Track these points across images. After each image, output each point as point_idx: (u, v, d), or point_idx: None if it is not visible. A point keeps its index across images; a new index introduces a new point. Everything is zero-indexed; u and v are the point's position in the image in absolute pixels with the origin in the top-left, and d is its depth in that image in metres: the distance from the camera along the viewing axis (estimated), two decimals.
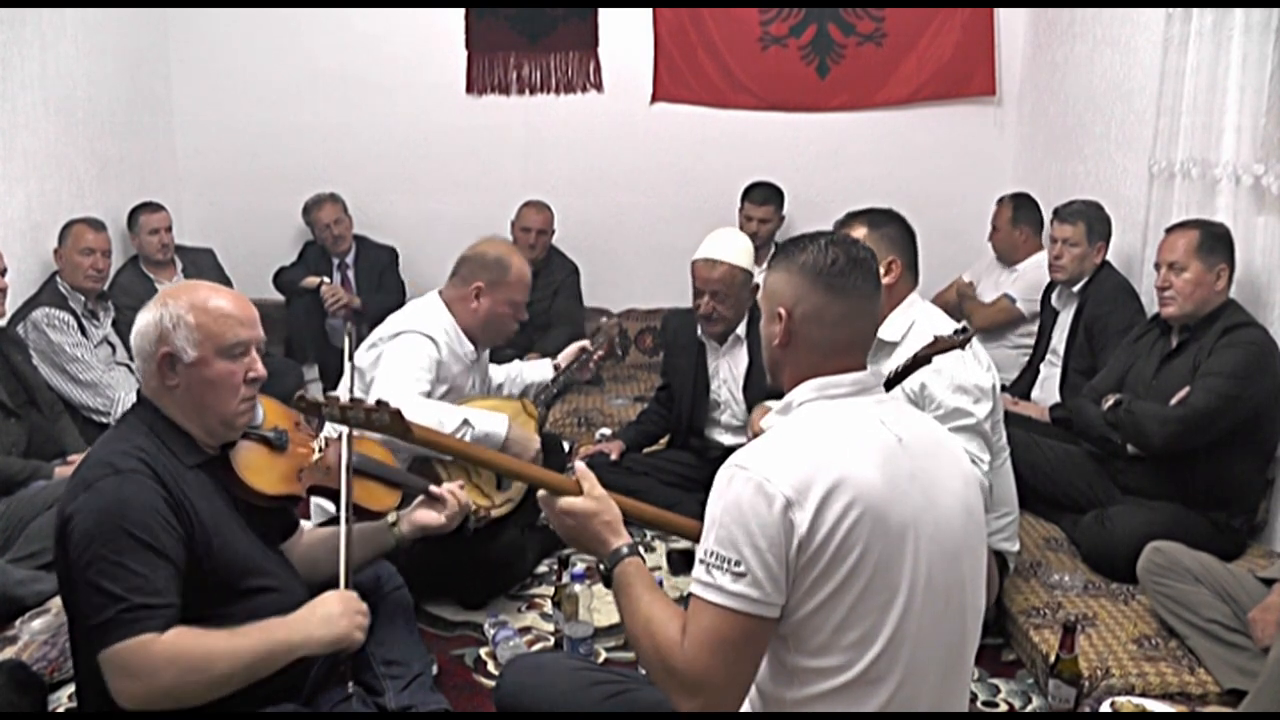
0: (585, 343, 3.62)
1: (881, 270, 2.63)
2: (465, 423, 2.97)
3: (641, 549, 1.87)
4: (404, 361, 3.01)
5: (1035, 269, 4.41)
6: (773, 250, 5.19)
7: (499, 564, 3.16)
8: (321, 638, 1.95)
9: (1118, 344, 3.56)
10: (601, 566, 1.80)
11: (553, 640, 2.93)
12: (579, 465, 1.92)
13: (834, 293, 1.69)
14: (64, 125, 4.46)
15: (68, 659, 2.54)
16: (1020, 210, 4.66)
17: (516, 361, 3.71)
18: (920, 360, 2.40)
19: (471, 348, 3.24)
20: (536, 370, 3.62)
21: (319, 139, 5.50)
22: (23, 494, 3.17)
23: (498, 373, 3.56)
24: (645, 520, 2.02)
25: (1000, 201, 4.77)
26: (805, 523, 1.51)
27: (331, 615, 1.97)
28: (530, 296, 4.91)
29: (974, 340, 2.53)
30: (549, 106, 5.47)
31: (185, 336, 1.96)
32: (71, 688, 2.49)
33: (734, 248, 3.53)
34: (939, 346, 2.37)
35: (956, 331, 2.37)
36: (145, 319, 1.99)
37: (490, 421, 3.06)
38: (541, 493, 1.91)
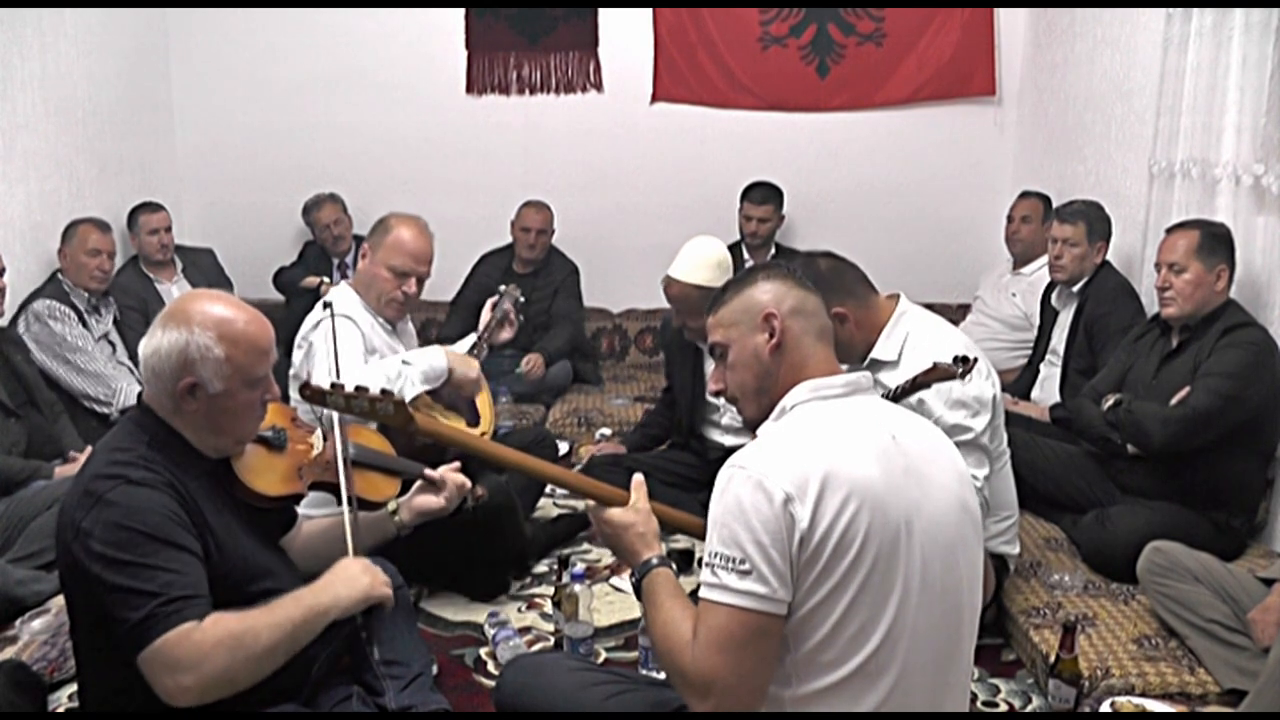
0: (492, 299, 3.62)
1: (839, 324, 2.60)
2: (404, 363, 3.01)
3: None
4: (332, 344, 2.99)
5: (1045, 277, 4.33)
6: (773, 250, 5.20)
7: (494, 530, 3.10)
8: (350, 596, 1.96)
9: (1118, 344, 3.56)
10: (633, 576, 1.84)
11: (553, 640, 2.93)
12: (636, 477, 1.96)
13: (803, 285, 1.82)
14: (64, 125, 4.47)
15: (68, 659, 2.55)
16: (1048, 207, 4.62)
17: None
18: (918, 385, 2.40)
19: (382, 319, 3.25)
20: (463, 344, 3.59)
21: (319, 139, 5.50)
22: (23, 494, 3.17)
23: None
24: (672, 525, 2.04)
25: (1026, 195, 4.73)
26: (806, 517, 1.53)
27: (353, 575, 1.99)
28: (530, 296, 4.97)
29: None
30: (549, 106, 5.47)
31: (214, 370, 1.90)
32: (72, 688, 2.50)
33: (693, 264, 3.49)
34: (938, 374, 2.36)
35: (957, 359, 2.35)
36: (166, 341, 1.90)
37: (427, 356, 3.10)
38: (590, 503, 1.96)
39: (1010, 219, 4.74)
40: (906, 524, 1.59)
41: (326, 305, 2.95)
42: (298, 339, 3.21)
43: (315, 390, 2.06)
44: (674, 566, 1.82)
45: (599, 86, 5.48)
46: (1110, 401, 3.23)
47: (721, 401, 3.67)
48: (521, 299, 3.64)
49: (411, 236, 3.22)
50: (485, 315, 3.59)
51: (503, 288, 3.66)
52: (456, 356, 3.20)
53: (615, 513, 1.90)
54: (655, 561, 1.80)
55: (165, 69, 5.42)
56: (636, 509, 1.90)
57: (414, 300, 3.28)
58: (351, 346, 3.03)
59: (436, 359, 3.12)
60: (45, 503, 3.07)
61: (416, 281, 3.24)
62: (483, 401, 3.30)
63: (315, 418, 2.51)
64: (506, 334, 3.61)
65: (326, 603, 1.92)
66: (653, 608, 1.73)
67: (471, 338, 3.59)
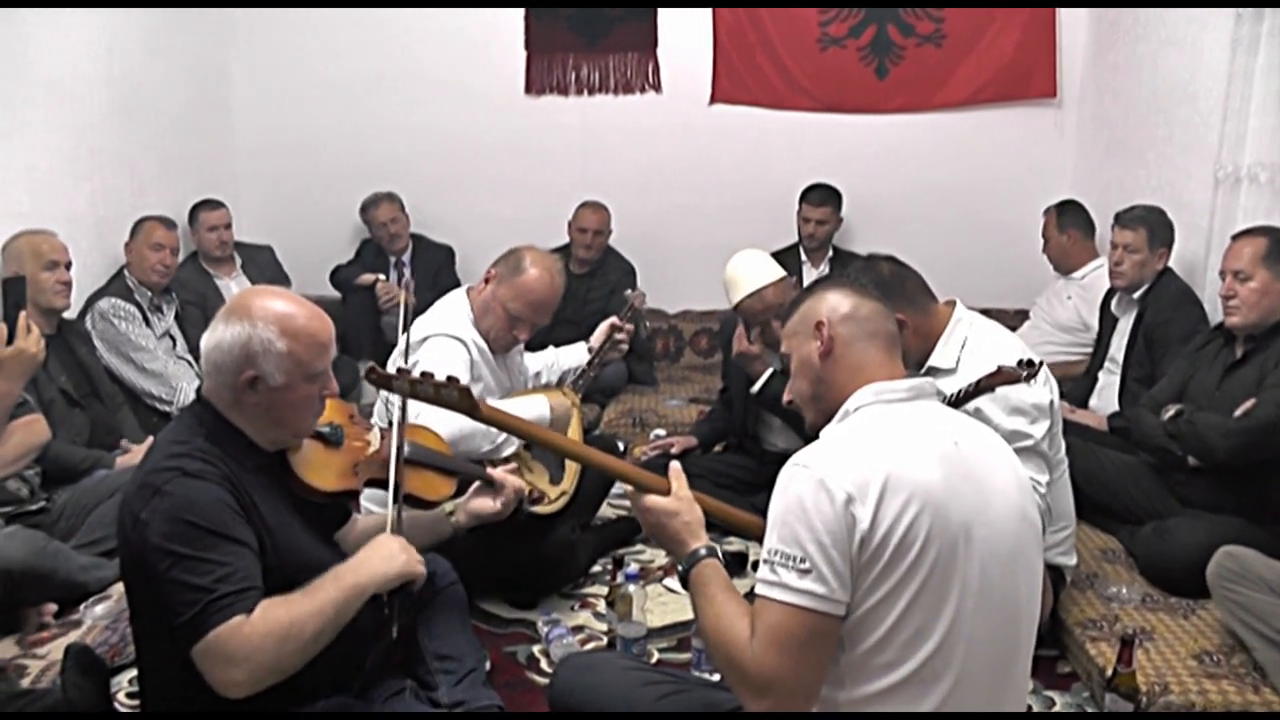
0: (614, 319, 3.59)
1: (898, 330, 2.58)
2: None
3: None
4: (438, 369, 2.95)
5: (1099, 280, 4.32)
6: (830, 252, 5.17)
7: (551, 562, 3.16)
8: (387, 572, 1.98)
9: (1178, 352, 3.50)
10: (679, 566, 1.81)
11: (605, 640, 2.94)
12: (674, 465, 1.94)
13: (859, 293, 1.83)
14: (129, 124, 4.56)
15: (128, 644, 2.61)
16: (1065, 215, 4.64)
17: (551, 348, 3.68)
18: (982, 389, 2.36)
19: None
20: (572, 355, 3.61)
21: (377, 138, 5.56)
22: (86, 483, 3.25)
23: (535, 361, 3.56)
24: (713, 515, 2.00)
25: (1046, 212, 4.74)
26: (867, 518, 1.52)
27: (391, 552, 2.01)
28: (586, 296, 4.99)
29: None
30: (607, 107, 5.49)
31: (275, 364, 1.92)
32: (132, 672, 2.55)
33: (762, 268, 3.48)
34: (1002, 378, 2.32)
35: (1021, 363, 2.32)
36: (229, 335, 1.93)
37: (531, 407, 3.07)
38: (629, 489, 1.93)
39: (1045, 239, 4.72)
40: (966, 530, 1.58)
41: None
42: (402, 343, 3.17)
43: (381, 375, 2.08)
44: (720, 556, 1.81)
45: (657, 87, 5.48)
46: (1170, 412, 3.16)
47: None
48: (647, 328, 3.56)
49: (541, 287, 3.12)
50: (601, 333, 3.55)
51: (629, 291, 3.64)
52: (560, 404, 3.17)
53: (657, 500, 1.87)
54: (703, 552, 1.79)
55: (227, 69, 5.51)
56: (679, 497, 1.87)
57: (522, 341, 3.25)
58: (456, 369, 2.90)
59: (541, 408, 3.08)
60: (107, 491, 3.14)
61: (530, 328, 3.19)
62: (574, 429, 3.25)
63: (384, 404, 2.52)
64: (620, 352, 3.61)
65: (365, 580, 1.94)
66: (704, 600, 1.71)
67: (581, 349, 3.59)
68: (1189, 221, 4.01)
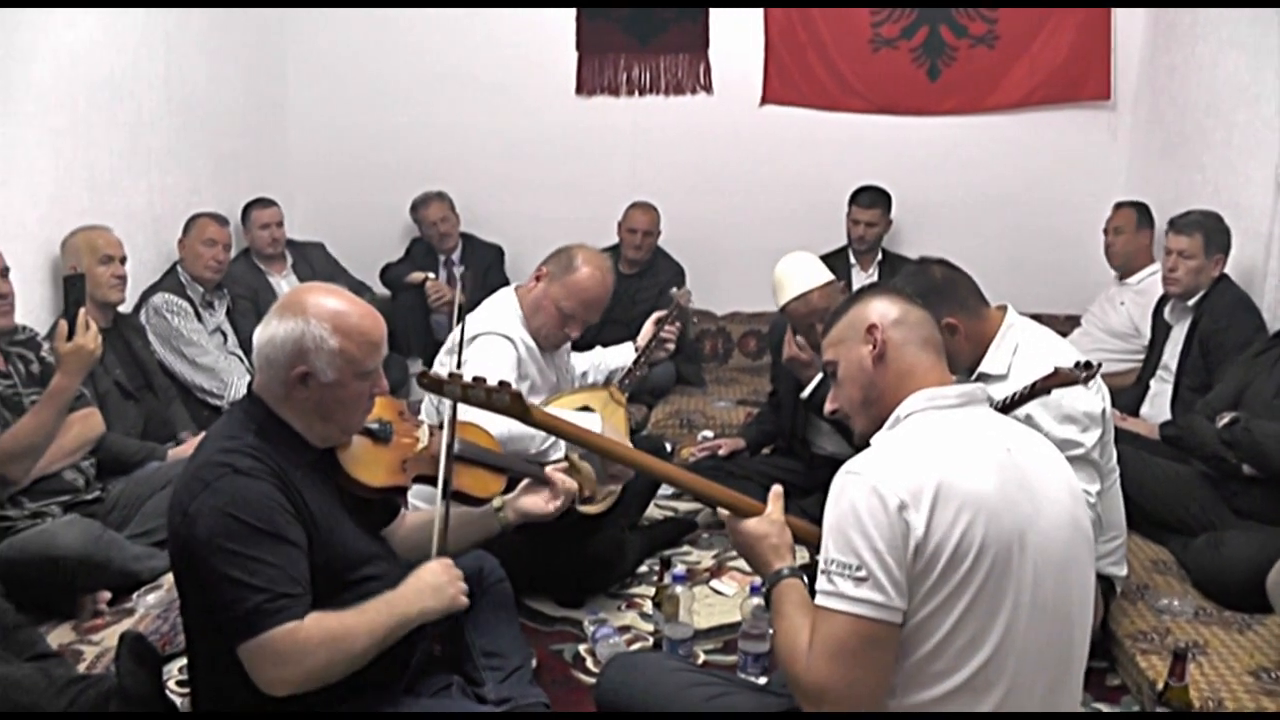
0: (661, 313, 3.59)
1: (949, 335, 2.54)
2: None
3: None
4: (487, 368, 2.91)
5: (1154, 286, 4.22)
6: (879, 255, 5.14)
7: (598, 561, 3.17)
8: (435, 607, 1.99)
9: (1234, 360, 3.44)
10: (763, 586, 1.84)
11: (651, 640, 2.94)
12: (775, 489, 1.96)
13: (906, 299, 1.84)
14: (185, 123, 4.62)
15: (178, 633, 2.63)
16: (1144, 215, 4.54)
17: (598, 348, 3.69)
18: (1037, 391, 2.33)
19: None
20: (618, 355, 3.61)
21: (429, 138, 5.60)
22: (139, 474, 3.30)
23: (581, 361, 3.57)
24: (802, 536, 1.99)
25: (1119, 206, 4.64)
26: (921, 525, 1.52)
27: (440, 585, 2.01)
28: (635, 297, 4.99)
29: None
30: (658, 108, 5.50)
31: (328, 361, 1.94)
32: (181, 661, 2.58)
33: (809, 272, 3.44)
34: (1059, 380, 2.29)
35: (1079, 365, 2.29)
36: (281, 330, 1.94)
37: (584, 422, 3.03)
38: (724, 511, 1.95)
39: (1105, 232, 4.63)
40: (1020, 538, 1.57)
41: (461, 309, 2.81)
42: (449, 342, 3.15)
43: (433, 379, 2.09)
44: (805, 578, 1.81)
45: (708, 88, 5.48)
46: (1226, 419, 3.11)
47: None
48: (695, 324, 3.51)
49: (593, 284, 3.15)
50: (647, 331, 3.55)
51: (674, 290, 3.61)
52: (611, 432, 3.13)
53: (750, 524, 1.89)
54: (785, 572, 1.79)
55: (281, 69, 5.58)
56: (771, 520, 1.89)
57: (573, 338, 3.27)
58: (503, 371, 2.96)
59: (593, 426, 3.04)
60: (160, 483, 3.18)
61: (581, 325, 3.21)
62: (620, 429, 3.24)
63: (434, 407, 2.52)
64: (667, 351, 3.60)
65: (415, 613, 1.96)
66: (778, 617, 1.73)
67: (628, 349, 3.59)
68: (1248, 227, 3.95)
